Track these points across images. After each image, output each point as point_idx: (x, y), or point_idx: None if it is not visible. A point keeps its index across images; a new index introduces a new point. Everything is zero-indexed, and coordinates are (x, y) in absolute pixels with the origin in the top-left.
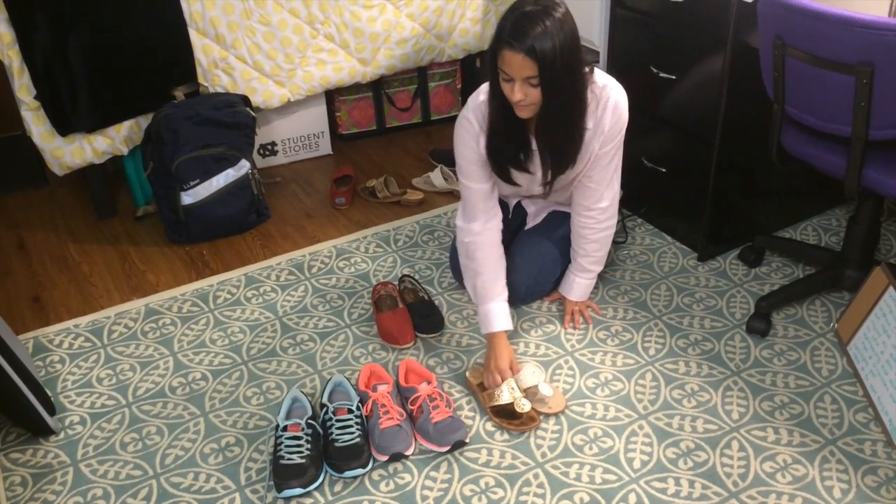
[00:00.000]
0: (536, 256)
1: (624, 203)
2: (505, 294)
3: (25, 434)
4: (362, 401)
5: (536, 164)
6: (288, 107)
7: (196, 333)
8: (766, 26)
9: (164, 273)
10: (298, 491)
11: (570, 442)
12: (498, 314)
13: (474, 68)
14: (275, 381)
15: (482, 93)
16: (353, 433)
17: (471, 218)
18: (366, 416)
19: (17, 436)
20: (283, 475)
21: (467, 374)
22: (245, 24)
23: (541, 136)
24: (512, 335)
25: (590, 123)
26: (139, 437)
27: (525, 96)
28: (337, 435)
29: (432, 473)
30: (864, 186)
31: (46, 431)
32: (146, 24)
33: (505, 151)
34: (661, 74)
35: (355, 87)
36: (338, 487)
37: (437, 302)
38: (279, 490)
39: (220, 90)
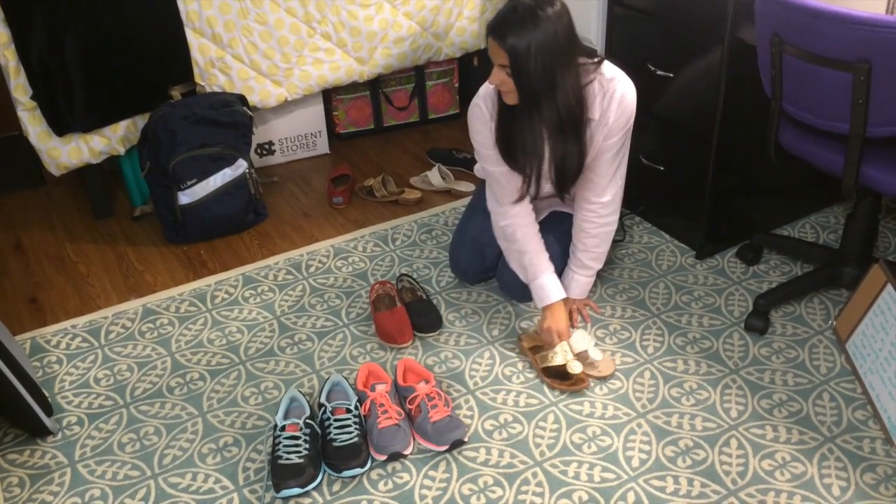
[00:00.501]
0: (553, 243)
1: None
2: (552, 266)
3: (23, 435)
4: (360, 400)
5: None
6: (285, 106)
7: (194, 333)
8: (763, 24)
9: (161, 273)
10: (297, 491)
11: (568, 440)
12: (551, 286)
13: (471, 67)
14: (273, 381)
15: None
16: (351, 433)
17: (503, 201)
18: (364, 416)
19: (15, 436)
20: (281, 475)
21: (521, 337)
22: (242, 23)
23: (520, 131)
24: (511, 333)
25: (596, 115)
26: (137, 437)
27: (501, 83)
28: (335, 434)
29: (431, 473)
30: (861, 184)
31: (44, 432)
32: (142, 24)
33: (511, 134)
34: (659, 72)
35: (353, 86)
36: (336, 487)
37: (435, 301)
38: (277, 490)
39: (216, 89)
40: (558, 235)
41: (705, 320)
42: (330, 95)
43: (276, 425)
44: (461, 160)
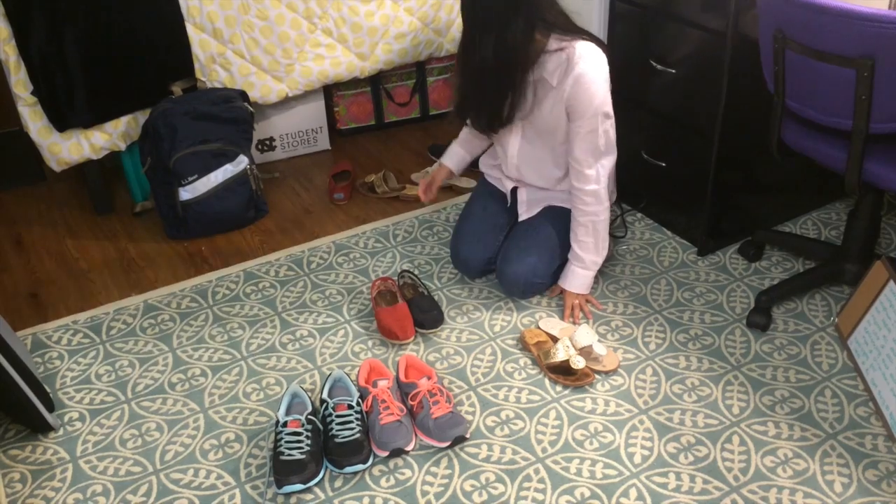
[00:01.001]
0: (534, 248)
1: (623, 197)
2: (469, 154)
3: (24, 431)
4: (362, 396)
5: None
6: (286, 102)
7: (195, 329)
8: (766, 19)
9: (162, 269)
10: (298, 487)
11: (570, 437)
12: (455, 152)
13: None
14: (274, 377)
15: None
16: (353, 429)
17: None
18: (366, 412)
19: (17, 432)
20: (283, 471)
21: (524, 333)
22: (243, 18)
23: (459, 64)
24: (512, 329)
25: (554, 81)
26: (139, 433)
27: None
28: (337, 431)
29: (433, 469)
30: (864, 180)
31: (45, 428)
32: (143, 19)
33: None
34: (661, 68)
35: (353, 82)
36: (338, 483)
37: (436, 297)
38: (279, 486)
39: (217, 85)
40: (553, 233)
41: (707, 317)
42: (331, 91)
43: (277, 421)
44: None
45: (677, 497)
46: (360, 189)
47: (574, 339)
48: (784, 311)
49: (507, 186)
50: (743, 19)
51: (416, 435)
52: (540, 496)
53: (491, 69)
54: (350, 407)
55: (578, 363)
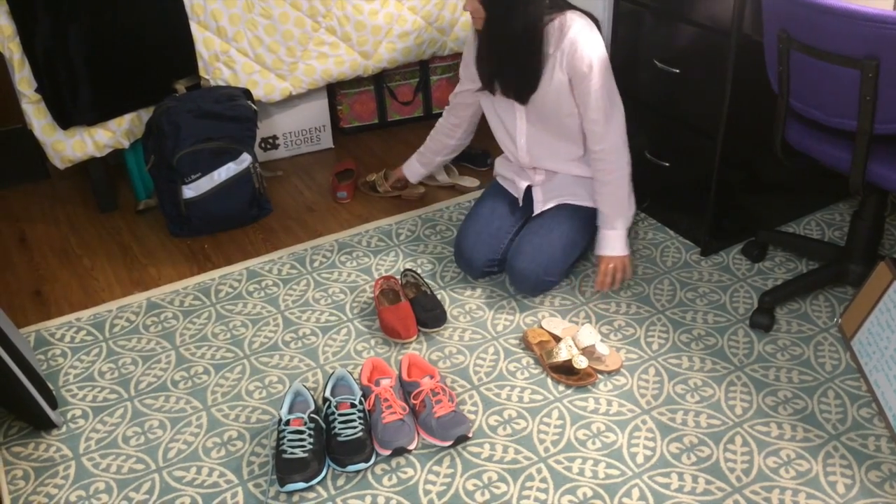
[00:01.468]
0: (546, 246)
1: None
2: (425, 165)
3: (27, 428)
4: (365, 395)
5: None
6: (289, 100)
7: (198, 327)
8: (770, 20)
9: (165, 267)
10: (301, 485)
11: (572, 437)
12: (411, 164)
13: None
14: (277, 376)
15: None
16: (355, 427)
17: (448, 109)
18: (368, 411)
19: (19, 430)
20: (285, 469)
21: (526, 331)
22: (247, 17)
23: (491, 50)
24: (515, 329)
25: (551, 49)
26: (141, 430)
27: (473, 10)
28: (339, 429)
29: (435, 468)
30: (868, 181)
31: (48, 425)
32: (147, 17)
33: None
34: (665, 68)
35: (357, 81)
36: (340, 482)
37: (439, 296)
38: (282, 484)
39: (221, 83)
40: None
41: (710, 317)
42: (334, 90)
43: (280, 419)
44: (466, 156)
45: (680, 497)
46: (362, 188)
47: (577, 338)
48: (787, 312)
49: (521, 187)
50: (747, 19)
51: (418, 434)
52: (542, 496)
53: (522, 40)
54: (353, 405)
55: (581, 363)
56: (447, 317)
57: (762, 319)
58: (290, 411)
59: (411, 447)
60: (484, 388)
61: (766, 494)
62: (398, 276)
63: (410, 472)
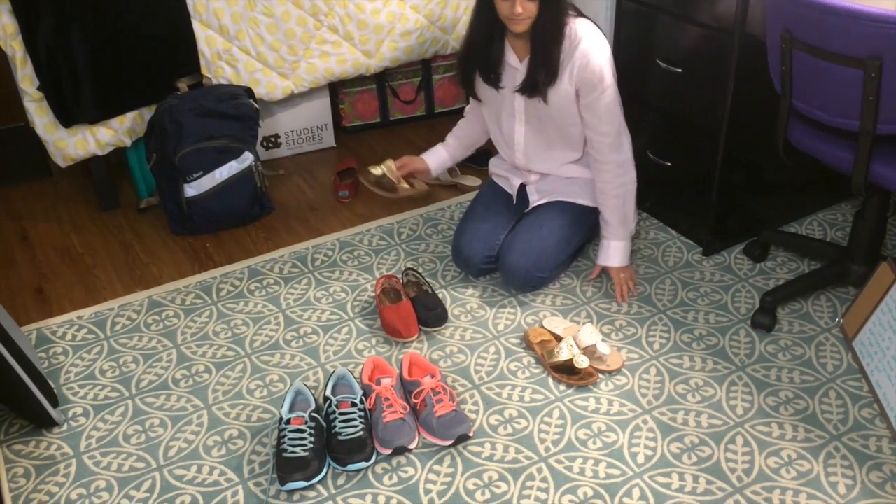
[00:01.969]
0: (536, 241)
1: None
2: (451, 154)
3: (28, 426)
4: (366, 394)
5: (508, 79)
6: (291, 99)
7: (199, 326)
8: (773, 19)
9: (167, 265)
10: (302, 484)
11: (573, 436)
12: (436, 150)
13: None
14: (278, 374)
15: None
16: (356, 426)
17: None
18: (369, 410)
19: (21, 427)
20: (286, 468)
21: (527, 331)
22: (249, 15)
23: (536, 48)
24: (516, 328)
25: (562, 57)
26: (142, 429)
27: (523, 10)
28: (340, 428)
29: (436, 467)
30: (871, 181)
31: (49, 423)
32: (149, 15)
33: (478, 63)
34: (667, 67)
35: (359, 80)
36: (341, 481)
37: (440, 295)
38: (282, 483)
39: (223, 82)
40: (558, 225)
41: (712, 317)
42: (336, 88)
43: (281, 418)
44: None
45: (680, 497)
46: (368, 184)
47: (578, 338)
48: (789, 312)
49: (514, 185)
50: (750, 19)
51: (419, 433)
52: (543, 495)
53: (556, 35)
54: (353, 404)
55: (582, 362)
56: (448, 316)
57: (764, 319)
58: (291, 410)
59: (412, 446)
60: (485, 387)
61: (766, 495)
62: (399, 275)
63: (411, 471)
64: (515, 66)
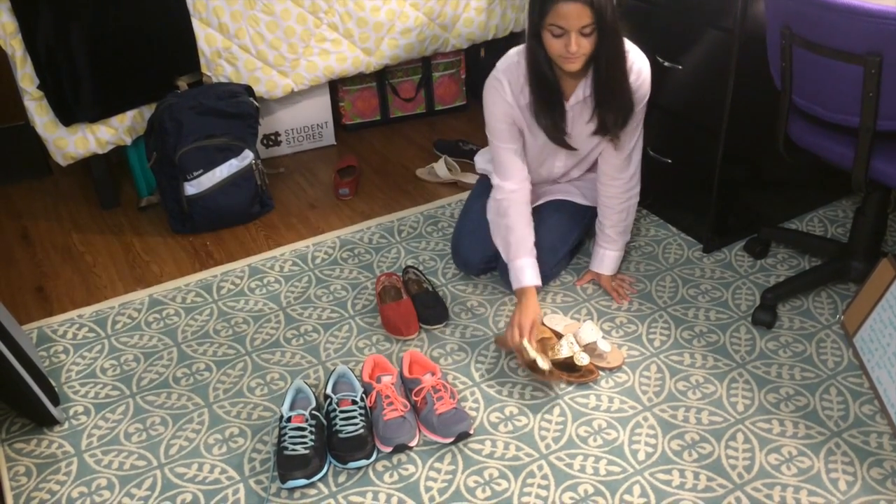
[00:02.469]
0: (545, 233)
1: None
2: (534, 253)
3: (29, 424)
4: (366, 392)
5: (570, 122)
6: (291, 97)
7: (200, 324)
8: (773, 15)
9: (167, 263)
10: (302, 482)
11: (574, 433)
12: (529, 269)
13: (479, 58)
14: (279, 372)
15: (515, 55)
16: (357, 424)
17: (505, 176)
18: (370, 408)
19: (22, 426)
20: (287, 466)
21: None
22: (248, 13)
23: (601, 89)
24: None
25: None
26: (143, 427)
27: (579, 47)
28: (341, 426)
29: (436, 465)
30: (871, 177)
31: (51, 421)
32: (149, 14)
33: (550, 111)
34: (667, 64)
35: (359, 78)
36: (342, 478)
37: (441, 293)
38: (283, 481)
39: (223, 80)
40: (557, 220)
41: (712, 314)
42: (336, 86)
43: (281, 416)
44: (468, 152)
45: (681, 494)
46: (529, 370)
47: (578, 335)
48: (790, 309)
49: None
50: (750, 15)
51: (419, 431)
52: (543, 492)
53: (621, 76)
54: (354, 402)
55: (583, 359)
56: (448, 314)
57: (764, 316)
58: (292, 408)
59: (412, 444)
60: (485, 384)
61: (767, 491)
62: (400, 273)
63: (411, 468)
64: (567, 108)
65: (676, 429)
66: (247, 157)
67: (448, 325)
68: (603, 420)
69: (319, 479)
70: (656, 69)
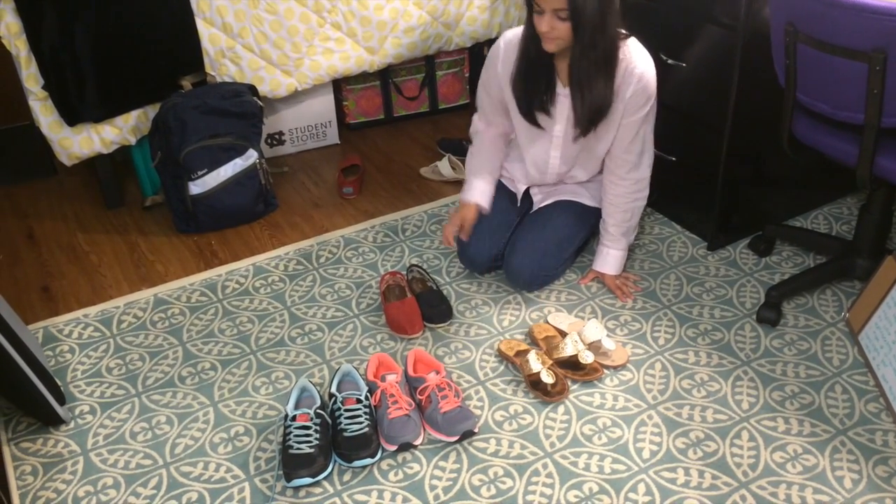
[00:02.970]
0: (539, 241)
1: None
2: (493, 182)
3: (36, 424)
4: (371, 391)
5: (561, 111)
6: (295, 96)
7: (205, 323)
8: (777, 13)
9: (172, 263)
10: (307, 480)
11: (578, 432)
12: (478, 189)
13: (482, 57)
14: (283, 371)
15: (521, 28)
16: (361, 423)
17: (482, 119)
18: (374, 406)
19: (28, 425)
20: (292, 465)
21: (532, 327)
22: (252, 12)
23: (574, 79)
24: (521, 324)
25: (617, 80)
26: (149, 426)
27: (551, 29)
28: (346, 425)
29: (441, 463)
30: (876, 175)
31: (57, 421)
32: (153, 14)
33: (531, 88)
34: (671, 62)
35: (363, 77)
36: (347, 477)
37: (445, 292)
38: (288, 479)
39: (227, 80)
40: (560, 224)
41: (717, 312)
42: (340, 85)
43: (286, 415)
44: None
45: (686, 492)
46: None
47: (583, 333)
48: (794, 307)
49: (520, 189)
50: (754, 12)
51: (424, 429)
52: (548, 491)
53: (603, 65)
54: (359, 401)
55: (587, 357)
56: (453, 312)
57: (769, 314)
58: (297, 407)
59: (417, 442)
60: (490, 383)
61: (772, 489)
62: (404, 272)
63: (416, 467)
64: (560, 92)
65: (681, 427)
66: (251, 156)
67: (452, 324)
68: (608, 418)
69: (324, 478)
70: (660, 67)
